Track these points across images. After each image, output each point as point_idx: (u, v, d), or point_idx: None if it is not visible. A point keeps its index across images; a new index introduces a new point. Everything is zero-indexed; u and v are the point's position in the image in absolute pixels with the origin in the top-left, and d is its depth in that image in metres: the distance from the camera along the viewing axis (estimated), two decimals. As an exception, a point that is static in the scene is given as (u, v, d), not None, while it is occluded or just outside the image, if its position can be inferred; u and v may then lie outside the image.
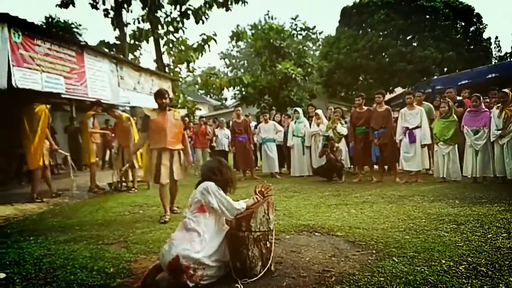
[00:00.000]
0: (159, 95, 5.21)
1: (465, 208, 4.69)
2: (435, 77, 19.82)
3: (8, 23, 5.85)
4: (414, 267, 2.86)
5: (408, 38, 23.26)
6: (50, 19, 21.78)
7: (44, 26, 20.68)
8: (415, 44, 22.98)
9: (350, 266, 2.98)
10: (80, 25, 23.08)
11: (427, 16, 22.29)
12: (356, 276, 2.75)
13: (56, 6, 16.19)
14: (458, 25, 23.11)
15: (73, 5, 16.21)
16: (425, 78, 20.22)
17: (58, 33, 7.63)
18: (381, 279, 2.69)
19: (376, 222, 4.33)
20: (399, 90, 23.07)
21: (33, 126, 6.18)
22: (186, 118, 8.30)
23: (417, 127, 7.15)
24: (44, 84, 6.52)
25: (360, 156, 7.84)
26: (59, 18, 21.93)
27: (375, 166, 8.01)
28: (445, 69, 22.33)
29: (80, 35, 22.48)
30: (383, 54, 22.43)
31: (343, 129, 8.54)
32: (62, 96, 7.18)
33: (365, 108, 7.83)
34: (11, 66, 5.84)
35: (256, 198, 3.14)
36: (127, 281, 2.92)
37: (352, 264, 3.03)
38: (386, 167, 8.04)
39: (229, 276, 2.81)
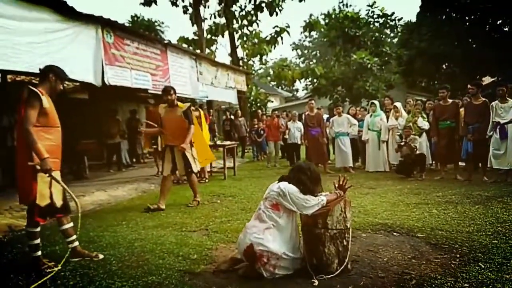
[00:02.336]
0: (165, 92, 5.44)
1: None
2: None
3: (101, 25, 6.45)
4: (503, 275, 2.69)
5: (498, 22, 21.01)
6: (135, 18, 23.46)
7: (130, 25, 22.39)
8: (506, 29, 20.70)
9: (431, 270, 2.88)
10: (162, 22, 24.62)
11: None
12: (438, 281, 2.65)
13: (140, 4, 17.43)
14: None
15: (155, 3, 17.32)
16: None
17: (145, 33, 8.19)
18: (466, 285, 2.57)
19: (460, 224, 4.09)
20: (488, 80, 21.04)
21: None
22: (201, 110, 8.44)
23: (510, 121, 6.51)
24: (133, 81, 7.11)
25: (443, 152, 7.34)
26: (143, 16, 23.53)
27: (461, 163, 7.48)
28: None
29: (163, 32, 23.97)
30: (470, 40, 20.56)
31: (424, 123, 8.06)
32: (149, 91, 7.76)
33: (450, 101, 7.30)
34: (104, 65, 6.45)
35: (337, 193, 3.14)
36: (210, 268, 3.12)
37: (434, 268, 2.93)
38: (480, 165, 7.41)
39: (305, 271, 2.88)
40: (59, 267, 3.04)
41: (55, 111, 3.26)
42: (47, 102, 3.10)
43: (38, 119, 3.03)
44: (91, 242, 3.91)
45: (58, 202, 3.15)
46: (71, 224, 3.40)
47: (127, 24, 22.92)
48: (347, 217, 3.00)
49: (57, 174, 3.21)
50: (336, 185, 3.21)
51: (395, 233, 3.92)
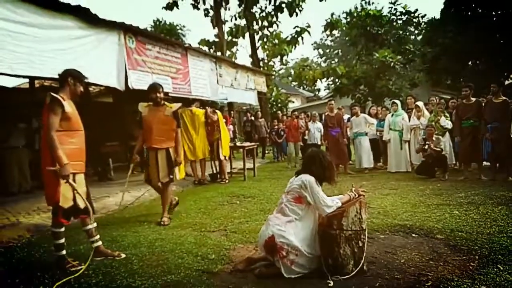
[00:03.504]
0: (153, 89, 4.80)
1: None
2: None
3: (124, 30, 6.65)
4: (523, 278, 2.63)
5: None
6: (157, 22, 23.93)
7: (153, 30, 22.86)
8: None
9: (449, 271, 2.86)
10: (184, 26, 25.02)
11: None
12: (455, 282, 2.63)
13: (162, 8, 17.77)
14: None
15: (177, 7, 17.60)
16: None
17: (165, 37, 8.36)
18: (483, 287, 2.54)
19: (481, 226, 4.00)
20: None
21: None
22: (211, 110, 8.20)
23: (538, 120, 6.31)
24: (155, 85, 7.28)
25: (466, 152, 7.16)
26: (165, 20, 23.98)
27: (485, 163, 7.28)
28: None
29: (184, 35, 24.34)
30: (497, 36, 19.89)
31: (447, 123, 7.88)
32: (170, 95, 7.92)
33: (473, 99, 7.13)
34: (127, 69, 6.64)
35: (350, 195, 3.16)
36: (227, 268, 3.19)
37: (452, 269, 2.90)
38: (498, 165, 7.22)
39: (321, 271, 2.90)
40: (84, 266, 3.17)
41: (78, 115, 3.39)
42: (68, 106, 3.23)
43: (61, 124, 3.16)
44: (114, 242, 4.04)
45: (81, 204, 3.28)
46: (95, 225, 3.54)
47: (149, 29, 23.50)
48: (362, 218, 3.01)
49: (81, 176, 3.36)
50: (353, 189, 3.23)
51: (414, 235, 3.88)
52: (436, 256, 3.24)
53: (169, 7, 17.62)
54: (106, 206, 5.97)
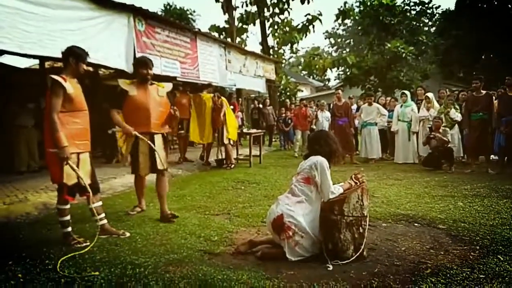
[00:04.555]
0: (142, 64, 4.10)
1: None
2: None
3: (133, 13, 6.64)
4: (522, 268, 2.63)
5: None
6: (168, 6, 23.82)
7: (163, 14, 22.75)
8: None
9: (448, 260, 2.86)
10: (194, 11, 24.92)
11: None
12: (454, 271, 2.64)
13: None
14: None
15: (188, -8, 17.43)
16: None
17: (175, 21, 8.32)
18: (481, 276, 2.55)
19: (485, 218, 3.99)
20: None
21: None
22: (218, 97, 7.91)
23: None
24: (163, 69, 7.30)
25: (474, 145, 7.09)
26: (176, 5, 23.85)
27: (493, 157, 7.21)
28: None
29: (194, 21, 24.24)
30: (512, 29, 19.52)
31: (457, 115, 7.80)
32: (178, 79, 7.94)
33: (483, 92, 7.03)
34: (136, 52, 6.65)
35: (350, 183, 3.18)
36: (229, 249, 3.23)
37: (451, 258, 2.90)
38: (506, 158, 7.15)
39: (321, 256, 2.93)
40: (89, 244, 3.23)
41: (81, 95, 3.39)
42: (71, 87, 3.23)
43: (64, 105, 3.18)
44: (119, 221, 4.11)
45: (86, 182, 3.33)
46: (100, 203, 3.60)
47: (160, 13, 23.41)
48: (364, 205, 3.02)
49: (86, 155, 3.41)
50: (353, 176, 3.24)
51: (416, 224, 3.89)
52: (437, 245, 3.25)
53: (180, -9, 17.51)
54: (112, 187, 6.04)
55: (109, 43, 6.08)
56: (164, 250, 3.18)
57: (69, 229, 3.40)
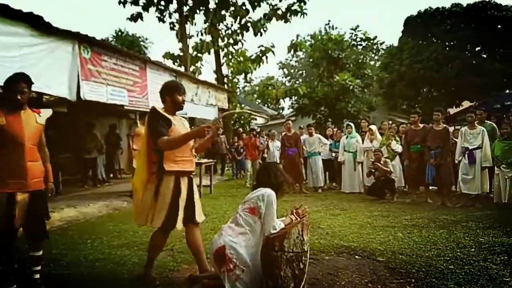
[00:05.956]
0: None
1: (523, 240, 4.34)
2: (507, 91, 18.37)
3: (78, 40, 6.47)
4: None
5: (476, 49, 21.88)
6: (119, 33, 23.52)
7: (114, 40, 22.38)
8: (484, 55, 21.54)
9: (385, 295, 2.93)
10: (146, 39, 24.70)
11: (499, 26, 20.80)
12: (389, 306, 2.69)
13: (126, 19, 17.53)
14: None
15: (141, 19, 17.41)
16: (494, 93, 18.84)
17: (123, 49, 8.21)
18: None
19: (422, 249, 4.16)
20: (466, 104, 21.69)
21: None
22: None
23: (478, 147, 6.73)
24: (109, 97, 7.10)
25: (414, 175, 7.49)
26: (128, 32, 23.60)
27: (432, 187, 7.63)
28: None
29: (146, 48, 24.03)
30: (449, 66, 21.27)
31: (397, 146, 8.24)
32: (125, 107, 7.75)
33: (421, 125, 7.53)
34: (80, 80, 6.44)
35: (291, 217, 3.20)
36: (167, 290, 3.11)
37: (388, 293, 2.97)
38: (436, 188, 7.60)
39: (261, 293, 2.88)
40: None
41: (20, 126, 2.98)
42: (3, 119, 2.91)
43: None
44: (53, 261, 3.84)
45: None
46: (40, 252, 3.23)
47: (111, 39, 23.02)
48: (304, 240, 3.03)
49: (23, 196, 2.97)
50: (294, 211, 3.27)
51: (357, 256, 3.96)
52: (375, 278, 3.32)
53: (134, 18, 17.39)
54: (49, 222, 5.67)
55: (51, 71, 5.85)
56: (98, 293, 3.00)
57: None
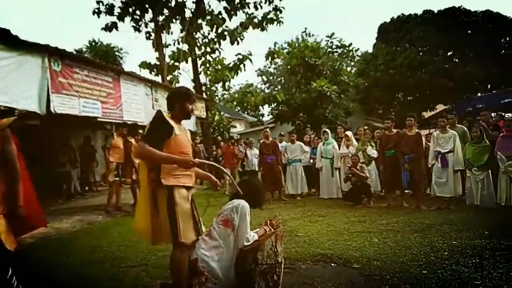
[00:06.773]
0: None
1: (493, 241, 4.44)
2: (478, 94, 19.01)
3: (48, 53, 6.33)
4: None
5: (448, 54, 22.59)
6: (93, 43, 23.11)
7: (88, 51, 21.98)
8: (456, 60, 22.25)
9: (359, 303, 2.94)
10: (121, 49, 24.28)
11: (469, 32, 21.57)
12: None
13: (101, 29, 17.29)
14: (503, 40, 22.11)
15: (116, 29, 17.20)
16: (466, 96, 19.48)
17: (95, 61, 8.10)
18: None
19: (396, 254, 4.21)
20: (440, 107, 22.31)
21: None
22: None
23: (450, 151, 6.90)
24: (82, 109, 6.96)
25: (390, 180, 7.63)
26: (102, 42, 23.21)
27: (407, 191, 7.78)
28: (489, 86, 21.39)
29: (122, 58, 23.67)
30: (423, 70, 21.87)
31: (373, 152, 8.38)
32: (99, 119, 7.61)
33: (394, 131, 7.68)
34: (50, 93, 6.28)
35: (265, 229, 3.20)
36: (140, 307, 3.04)
37: (362, 301, 2.99)
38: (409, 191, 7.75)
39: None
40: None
41: None
42: None
43: None
44: (22, 284, 3.69)
45: None
46: None
47: (84, 49, 22.62)
48: (278, 251, 3.03)
49: None
50: (268, 222, 3.27)
51: (333, 264, 3.98)
52: (350, 286, 3.35)
53: (108, 28, 17.18)
54: (20, 239, 5.47)
55: (20, 85, 5.70)
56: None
57: None
